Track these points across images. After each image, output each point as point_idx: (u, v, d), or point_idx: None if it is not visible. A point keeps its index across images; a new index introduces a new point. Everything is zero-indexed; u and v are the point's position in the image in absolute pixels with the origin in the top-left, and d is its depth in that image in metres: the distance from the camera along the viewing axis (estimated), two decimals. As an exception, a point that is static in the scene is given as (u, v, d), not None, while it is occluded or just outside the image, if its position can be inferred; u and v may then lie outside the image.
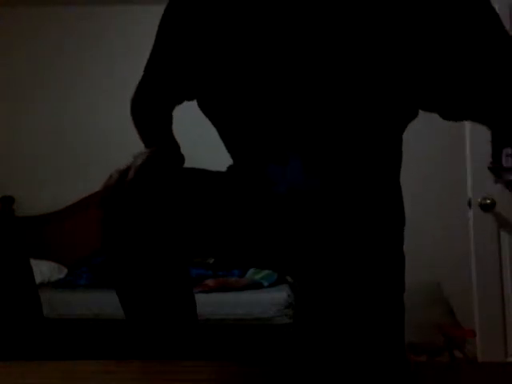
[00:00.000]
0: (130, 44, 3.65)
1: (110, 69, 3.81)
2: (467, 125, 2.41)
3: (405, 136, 1.12)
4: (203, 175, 1.07)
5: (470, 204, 2.54)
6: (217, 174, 1.10)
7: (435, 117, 1.14)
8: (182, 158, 1.13)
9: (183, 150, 1.14)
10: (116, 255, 0.98)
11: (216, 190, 1.06)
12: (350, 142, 1.03)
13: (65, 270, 3.53)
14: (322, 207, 1.06)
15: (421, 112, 1.08)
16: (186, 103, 1.22)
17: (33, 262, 2.38)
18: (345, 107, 1.00)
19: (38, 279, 2.89)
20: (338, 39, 0.97)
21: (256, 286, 3.09)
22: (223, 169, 1.18)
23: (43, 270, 3.35)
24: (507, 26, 2.59)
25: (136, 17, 3.71)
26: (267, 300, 2.84)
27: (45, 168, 3.82)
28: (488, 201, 2.47)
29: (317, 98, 1.00)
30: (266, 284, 3.10)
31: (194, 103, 1.17)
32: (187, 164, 1.12)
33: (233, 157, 1.17)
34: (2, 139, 3.88)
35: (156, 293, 1.01)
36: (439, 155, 3.58)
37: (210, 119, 1.13)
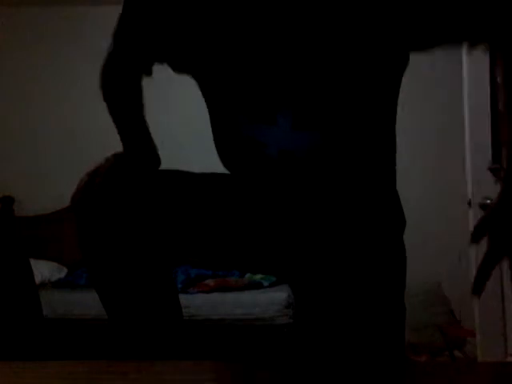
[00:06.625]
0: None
1: (110, 69, 3.80)
2: (467, 125, 2.41)
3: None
4: (180, 177, 1.05)
5: (470, 204, 2.54)
6: (198, 176, 1.08)
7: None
8: (157, 160, 1.12)
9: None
10: (89, 256, 0.99)
11: (195, 190, 1.04)
12: (340, 97, 1.00)
13: (65, 270, 3.53)
14: (314, 175, 1.04)
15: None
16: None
17: (33, 262, 2.38)
18: (334, 60, 0.97)
19: (37, 279, 2.89)
20: None
21: (256, 285, 3.09)
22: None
23: (43, 270, 3.35)
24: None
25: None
26: (267, 300, 2.84)
27: (45, 168, 3.82)
28: (488, 201, 2.46)
29: (305, 52, 0.97)
30: (265, 284, 3.10)
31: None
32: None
33: (217, 129, 1.11)
34: (2, 139, 3.88)
35: (131, 294, 1.01)
36: (439, 155, 3.59)
37: (191, 76, 1.09)
